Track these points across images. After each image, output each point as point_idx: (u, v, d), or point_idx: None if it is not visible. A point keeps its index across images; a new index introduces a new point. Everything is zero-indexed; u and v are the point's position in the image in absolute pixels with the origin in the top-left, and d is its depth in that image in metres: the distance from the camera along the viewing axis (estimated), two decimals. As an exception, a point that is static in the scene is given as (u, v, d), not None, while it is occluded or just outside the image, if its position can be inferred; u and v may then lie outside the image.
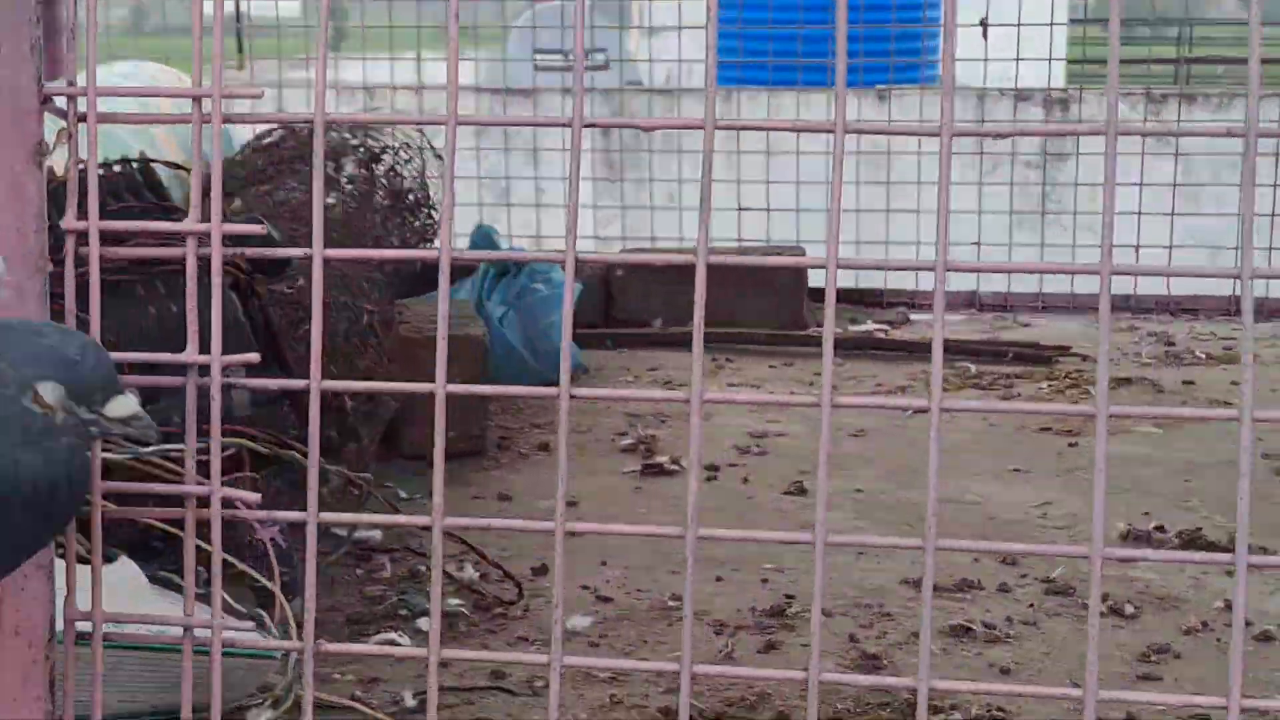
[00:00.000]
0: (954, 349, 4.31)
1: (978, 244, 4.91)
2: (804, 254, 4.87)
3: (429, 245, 4.15)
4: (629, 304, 4.72)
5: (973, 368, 4.18)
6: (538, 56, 6.96)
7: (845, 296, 4.94)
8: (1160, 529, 2.87)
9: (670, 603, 2.51)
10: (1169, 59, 11.38)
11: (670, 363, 4.29)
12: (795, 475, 3.24)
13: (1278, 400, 3.79)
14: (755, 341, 4.46)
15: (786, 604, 2.50)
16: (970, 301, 4.93)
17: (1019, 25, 5.32)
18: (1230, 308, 4.76)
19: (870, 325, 4.73)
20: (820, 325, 4.68)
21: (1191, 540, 2.78)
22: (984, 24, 4.84)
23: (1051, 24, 5.75)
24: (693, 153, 5.31)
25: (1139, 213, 4.89)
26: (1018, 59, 5.45)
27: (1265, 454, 3.34)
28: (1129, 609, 2.49)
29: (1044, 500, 3.11)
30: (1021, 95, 5.74)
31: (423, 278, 4.19)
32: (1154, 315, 4.79)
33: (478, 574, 2.61)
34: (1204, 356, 4.26)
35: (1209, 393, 3.89)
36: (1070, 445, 3.46)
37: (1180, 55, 10.76)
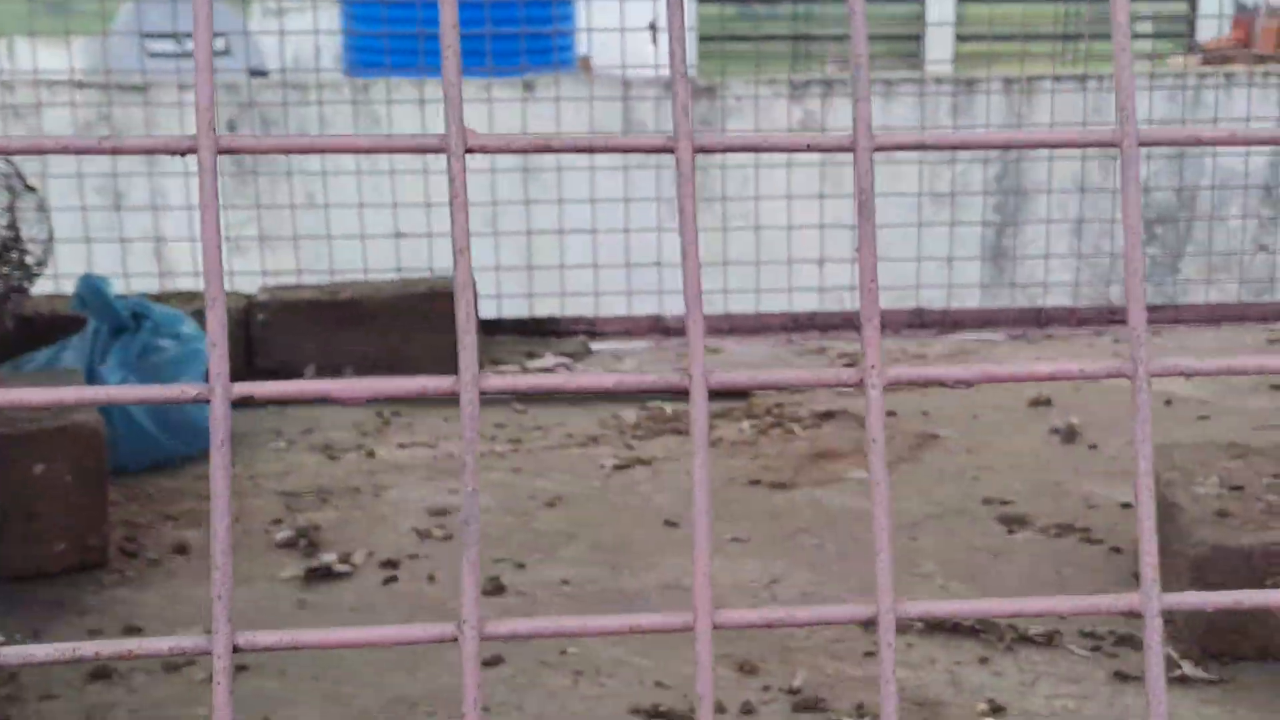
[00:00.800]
0: (647, 389, 3.95)
1: (658, 264, 4.56)
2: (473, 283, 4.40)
3: (20, 295, 3.47)
4: (275, 351, 4.13)
5: (668, 408, 3.83)
6: (149, 42, 6.08)
7: (520, 328, 4.52)
8: (902, 608, 2.56)
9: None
10: (783, 35, 11.51)
11: (328, 420, 3.75)
12: (491, 567, 2.79)
13: (989, 428, 3.61)
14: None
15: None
16: (655, 326, 4.59)
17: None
18: (914, 321, 4.60)
19: (550, 360, 4.32)
20: (497, 363, 4.25)
21: (939, 623, 2.49)
22: (653, 27, 4.49)
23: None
24: (345, 174, 4.75)
25: (821, 225, 4.67)
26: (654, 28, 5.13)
27: (985, 499, 3.13)
28: (889, 723, 2.16)
29: (772, 577, 2.77)
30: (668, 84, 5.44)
31: (18, 337, 3.52)
32: (839, 332, 4.58)
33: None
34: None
35: (908, 424, 3.67)
36: (783, 501, 3.15)
37: (798, 33, 10.85)
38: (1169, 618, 2.48)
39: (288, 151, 0.71)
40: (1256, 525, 2.42)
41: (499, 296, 4.47)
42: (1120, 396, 3.65)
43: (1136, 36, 8.94)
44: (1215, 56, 8.02)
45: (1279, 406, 3.76)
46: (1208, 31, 8.76)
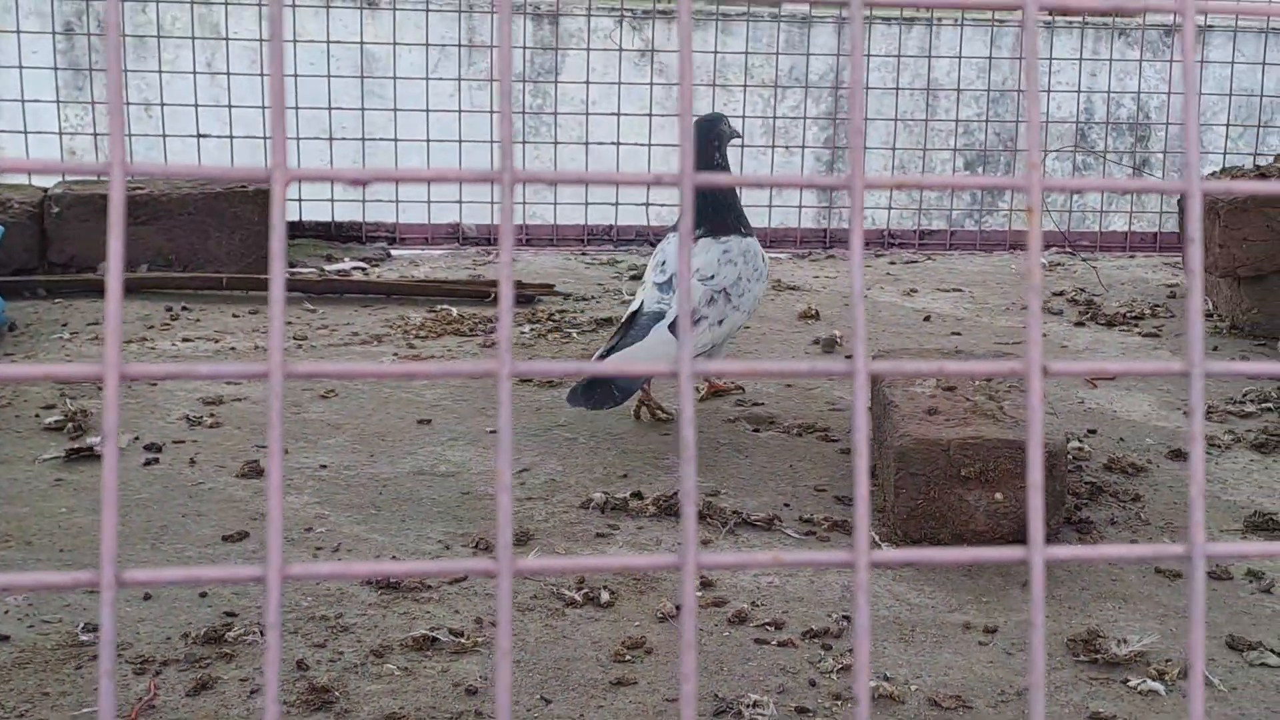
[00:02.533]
0: (432, 291, 4.06)
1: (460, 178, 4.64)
2: (271, 186, 4.45)
3: None
4: (68, 245, 4.14)
5: (454, 310, 3.94)
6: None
7: (320, 231, 4.58)
8: (637, 495, 2.74)
9: (84, 636, 2.11)
10: None
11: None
12: (251, 453, 2.89)
13: (756, 338, 3.79)
14: (216, 286, 4.02)
15: (226, 625, 2.16)
16: (453, 234, 4.69)
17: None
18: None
19: (349, 264, 4.40)
20: (294, 266, 4.31)
21: (668, 508, 2.66)
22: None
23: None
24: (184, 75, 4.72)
25: (616, 144, 4.79)
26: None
27: (739, 401, 3.30)
28: (604, 595, 2.33)
29: (523, 466, 2.91)
30: None
31: None
32: (633, 246, 4.72)
33: None
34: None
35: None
36: (548, 398, 3.30)
37: None
38: (879, 505, 2.70)
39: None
40: (958, 422, 2.64)
41: (300, 200, 4.52)
42: (882, 312, 3.86)
43: None
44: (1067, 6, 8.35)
45: (1024, 326, 4.01)
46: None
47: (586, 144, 4.86)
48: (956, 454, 2.56)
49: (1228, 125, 5.38)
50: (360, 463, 2.90)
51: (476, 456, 2.95)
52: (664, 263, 3.12)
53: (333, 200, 4.54)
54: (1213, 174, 4.42)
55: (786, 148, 5.35)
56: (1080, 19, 7.52)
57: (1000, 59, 5.77)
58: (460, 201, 4.58)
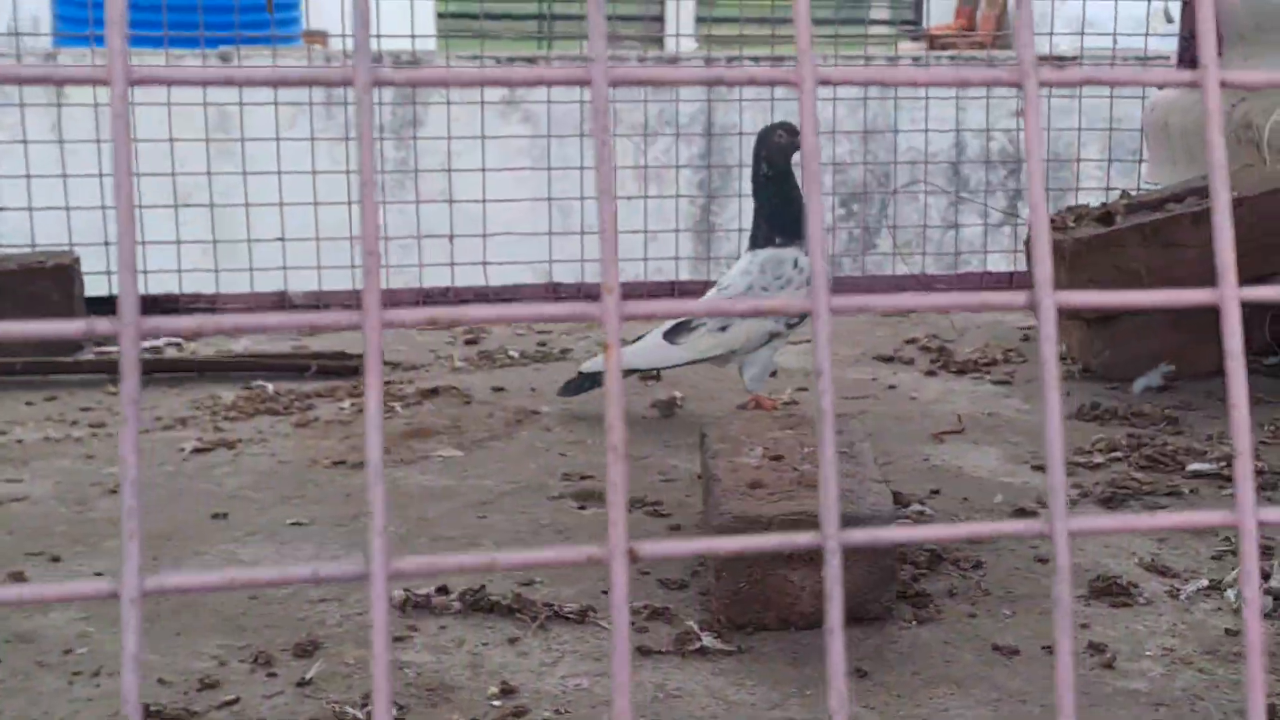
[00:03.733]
0: (249, 366, 3.81)
1: (281, 239, 4.40)
2: (77, 260, 4.17)
3: None
4: None
5: (270, 387, 3.69)
6: None
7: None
8: (443, 590, 2.51)
9: None
10: (533, 14, 11.41)
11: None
12: (20, 561, 2.62)
13: (591, 401, 3.60)
14: (11, 371, 3.73)
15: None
16: (280, 302, 4.44)
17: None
18: (548, 295, 4.58)
19: (162, 340, 4.13)
20: (101, 346, 4.02)
21: (475, 603, 2.44)
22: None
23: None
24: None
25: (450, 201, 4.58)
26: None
27: (566, 474, 3.10)
28: (395, 710, 2.10)
29: (320, 561, 2.67)
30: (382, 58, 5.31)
31: None
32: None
33: None
34: (516, 355, 4.02)
35: (515, 400, 3.64)
36: (362, 481, 3.07)
37: (545, 11, 10.80)
38: (704, 588, 2.50)
39: None
40: (782, 495, 2.45)
41: (109, 273, 4.25)
42: (720, 374, 3.68)
43: (873, 23, 9.21)
44: (940, 42, 8.37)
45: (874, 378, 3.87)
46: (935, 18, 9.08)
47: (450, 201, 4.63)
48: (778, 529, 2.37)
49: (1109, 161, 5.30)
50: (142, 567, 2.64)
51: (272, 554, 2.70)
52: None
53: (146, 271, 4.27)
54: (1068, 208, 4.31)
55: (660, 197, 5.18)
56: (952, 52, 7.51)
57: (872, 98, 5.67)
58: (285, 268, 4.34)
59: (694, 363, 3.38)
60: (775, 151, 3.29)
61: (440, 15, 8.10)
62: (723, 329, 3.29)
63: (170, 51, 4.92)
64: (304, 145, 4.58)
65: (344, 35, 5.20)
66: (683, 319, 3.27)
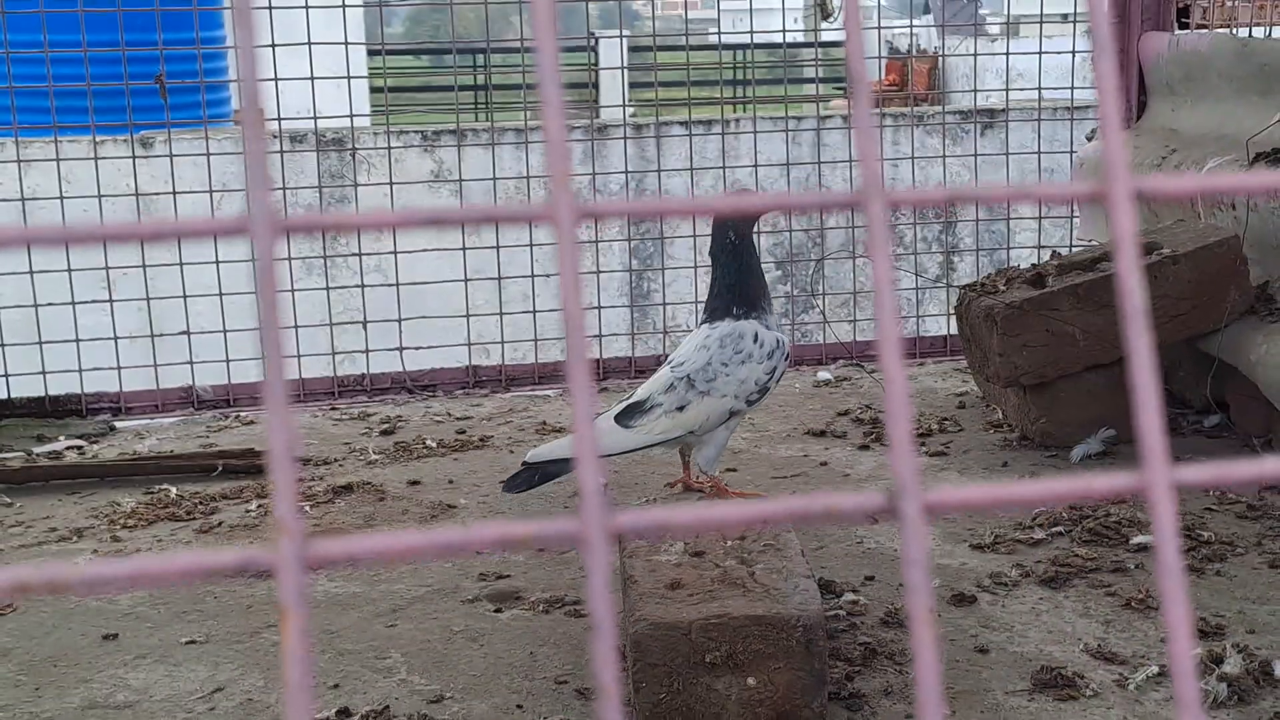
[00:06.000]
0: (152, 469, 3.63)
1: (187, 332, 4.22)
2: (-30, 362, 3.97)
3: None
4: None
5: (173, 490, 3.51)
6: None
7: (32, 408, 4.11)
8: (344, 713, 2.33)
9: None
10: (469, 86, 11.33)
11: None
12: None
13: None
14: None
15: None
16: (187, 399, 4.25)
17: (309, 44, 4.45)
18: (468, 380, 4.42)
19: (63, 443, 3.93)
20: (3, 450, 3.82)
21: (378, 728, 2.27)
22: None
23: (346, 44, 4.87)
24: None
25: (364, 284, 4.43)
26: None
27: (482, 574, 2.93)
28: None
29: (217, 685, 2.49)
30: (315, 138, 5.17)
31: None
32: (389, 395, 4.35)
33: None
34: (435, 446, 3.85)
35: (432, 494, 3.47)
36: (263, 592, 2.89)
37: (482, 83, 10.73)
38: (626, 698, 2.34)
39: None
40: (702, 597, 2.30)
41: (7, 376, 4.05)
42: (646, 458, 3.53)
43: (807, 81, 9.19)
44: (875, 99, 8.36)
45: (805, 454, 3.73)
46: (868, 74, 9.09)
47: (397, 285, 4.45)
48: (699, 637, 2.22)
49: (1039, 218, 5.22)
50: (21, 700, 2.45)
51: (163, 678, 2.51)
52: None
53: (44, 372, 4.08)
54: (998, 271, 4.20)
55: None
56: (880, 109, 7.46)
57: (800, 163, 5.60)
58: (191, 362, 4.16)
59: (649, 447, 3.05)
60: (741, 220, 3.10)
61: (374, 90, 7.89)
62: (680, 409, 3.03)
63: (81, 139, 4.75)
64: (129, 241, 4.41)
65: (279, 119, 5.02)
66: (636, 400, 3.05)
